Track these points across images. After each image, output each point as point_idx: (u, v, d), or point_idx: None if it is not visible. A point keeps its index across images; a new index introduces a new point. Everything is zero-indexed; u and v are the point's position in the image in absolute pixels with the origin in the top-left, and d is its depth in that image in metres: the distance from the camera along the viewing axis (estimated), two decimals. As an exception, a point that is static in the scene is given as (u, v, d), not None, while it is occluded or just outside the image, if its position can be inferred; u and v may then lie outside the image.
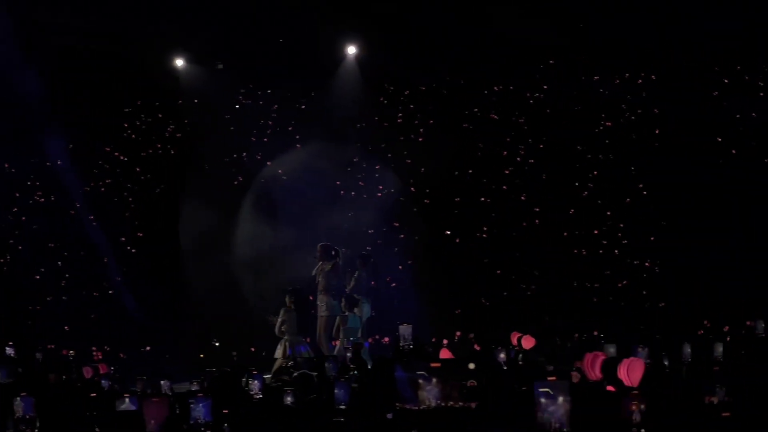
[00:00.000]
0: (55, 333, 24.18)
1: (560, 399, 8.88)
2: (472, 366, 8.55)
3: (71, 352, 21.38)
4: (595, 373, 12.62)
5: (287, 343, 20.27)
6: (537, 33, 24.11)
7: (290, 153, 25.39)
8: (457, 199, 25.13)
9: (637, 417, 9.58)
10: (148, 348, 24.57)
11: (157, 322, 24.80)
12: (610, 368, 12.29)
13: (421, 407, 6.36)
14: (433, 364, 6.45)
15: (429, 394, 6.32)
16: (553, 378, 9.35)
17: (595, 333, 19.65)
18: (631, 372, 12.18)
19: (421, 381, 6.36)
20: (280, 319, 20.46)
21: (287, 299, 20.76)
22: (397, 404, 6.40)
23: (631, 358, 12.44)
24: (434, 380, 6.31)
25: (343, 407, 11.63)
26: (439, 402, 6.36)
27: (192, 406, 10.50)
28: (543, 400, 8.81)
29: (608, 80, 24.76)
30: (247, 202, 25.46)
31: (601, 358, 12.83)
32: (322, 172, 24.83)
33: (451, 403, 6.40)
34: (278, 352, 20.38)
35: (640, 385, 11.84)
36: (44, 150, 25.26)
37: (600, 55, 24.59)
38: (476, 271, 24.37)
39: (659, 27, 23.83)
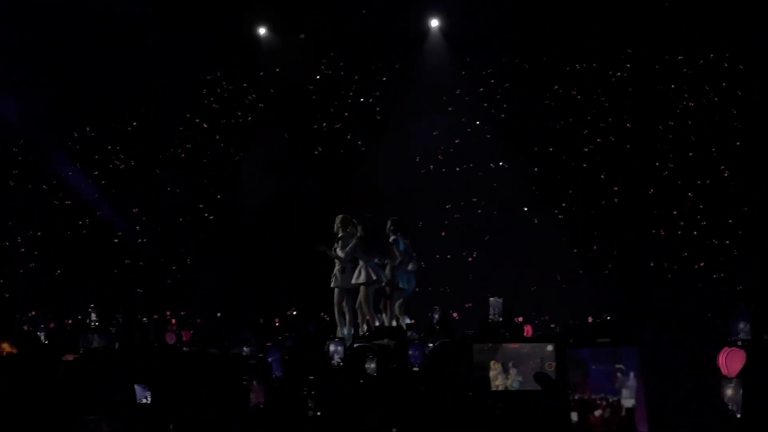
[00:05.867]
0: (130, 298, 24.48)
1: None
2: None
3: (145, 319, 21.64)
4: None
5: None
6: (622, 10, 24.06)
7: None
8: (535, 170, 25.01)
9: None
10: (218, 314, 24.65)
11: (229, 289, 24.84)
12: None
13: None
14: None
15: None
16: None
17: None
18: (729, 362, 12.01)
19: (619, 375, 6.18)
20: None
21: None
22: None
23: (732, 348, 12.25)
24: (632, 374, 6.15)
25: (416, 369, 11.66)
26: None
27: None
28: None
29: (692, 61, 24.53)
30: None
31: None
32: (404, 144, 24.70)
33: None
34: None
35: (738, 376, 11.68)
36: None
37: (683, 34, 24.32)
38: (552, 250, 24.06)
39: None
